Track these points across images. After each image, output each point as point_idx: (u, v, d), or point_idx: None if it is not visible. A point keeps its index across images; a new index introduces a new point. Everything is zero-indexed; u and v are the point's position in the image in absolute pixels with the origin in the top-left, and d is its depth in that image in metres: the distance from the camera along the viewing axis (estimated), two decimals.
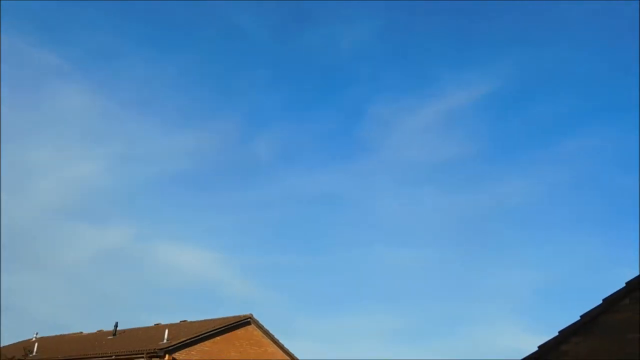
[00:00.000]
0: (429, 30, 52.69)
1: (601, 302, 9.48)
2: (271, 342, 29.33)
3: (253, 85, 57.24)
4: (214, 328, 27.14)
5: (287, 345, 29.84)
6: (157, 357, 24.67)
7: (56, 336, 34.57)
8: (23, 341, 33.49)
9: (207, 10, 53.89)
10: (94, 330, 33.57)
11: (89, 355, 27.08)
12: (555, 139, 55.97)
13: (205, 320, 29.39)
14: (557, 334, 9.94)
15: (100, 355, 26.68)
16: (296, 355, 30.05)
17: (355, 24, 53.99)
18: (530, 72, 55.01)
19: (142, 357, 24.89)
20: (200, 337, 26.38)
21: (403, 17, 54.32)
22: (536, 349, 10.22)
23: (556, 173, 54.38)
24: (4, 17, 50.35)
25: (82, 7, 51.61)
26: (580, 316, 9.67)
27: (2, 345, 32.79)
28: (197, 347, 26.12)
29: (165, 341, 25.50)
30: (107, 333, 31.33)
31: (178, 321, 30.38)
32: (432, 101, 57.68)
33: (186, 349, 25.67)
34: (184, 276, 53.06)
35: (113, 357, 26.11)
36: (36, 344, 30.70)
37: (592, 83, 53.55)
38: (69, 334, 34.52)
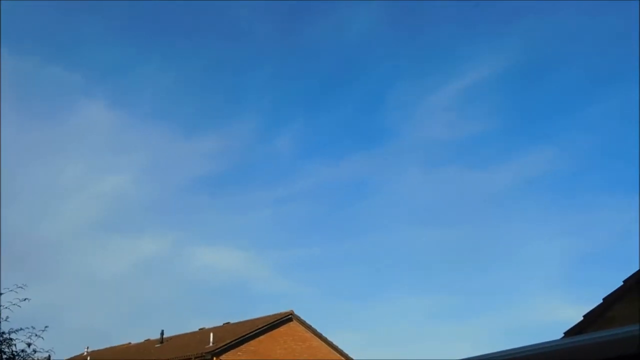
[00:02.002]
0: (436, 10, 52.28)
1: None
2: (314, 336, 29.64)
3: (265, 84, 57.53)
4: (257, 327, 27.55)
5: (329, 338, 30.19)
6: None
7: (106, 349, 35.30)
8: (75, 356, 34.28)
9: (207, 11, 54.16)
10: (142, 340, 34.25)
11: None
12: (579, 106, 55.00)
13: (247, 321, 29.82)
14: (601, 301, 9.94)
15: None
16: (339, 346, 30.34)
17: (360, 9, 53.66)
18: (545, 41, 54.09)
19: None
20: (245, 337, 26.82)
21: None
22: (581, 318, 10.22)
23: (583, 140, 53.46)
24: (5, 39, 51.42)
25: (83, 21, 52.34)
26: (623, 281, 9.66)
27: None
28: (243, 347, 26.55)
29: (211, 344, 25.99)
30: (155, 341, 31.96)
31: (221, 324, 30.88)
32: (450, 79, 57.16)
33: (233, 350, 26.12)
34: (220, 278, 53.68)
35: None
36: (88, 358, 31.44)
37: (610, 45, 52.20)
38: (118, 345, 35.23)
